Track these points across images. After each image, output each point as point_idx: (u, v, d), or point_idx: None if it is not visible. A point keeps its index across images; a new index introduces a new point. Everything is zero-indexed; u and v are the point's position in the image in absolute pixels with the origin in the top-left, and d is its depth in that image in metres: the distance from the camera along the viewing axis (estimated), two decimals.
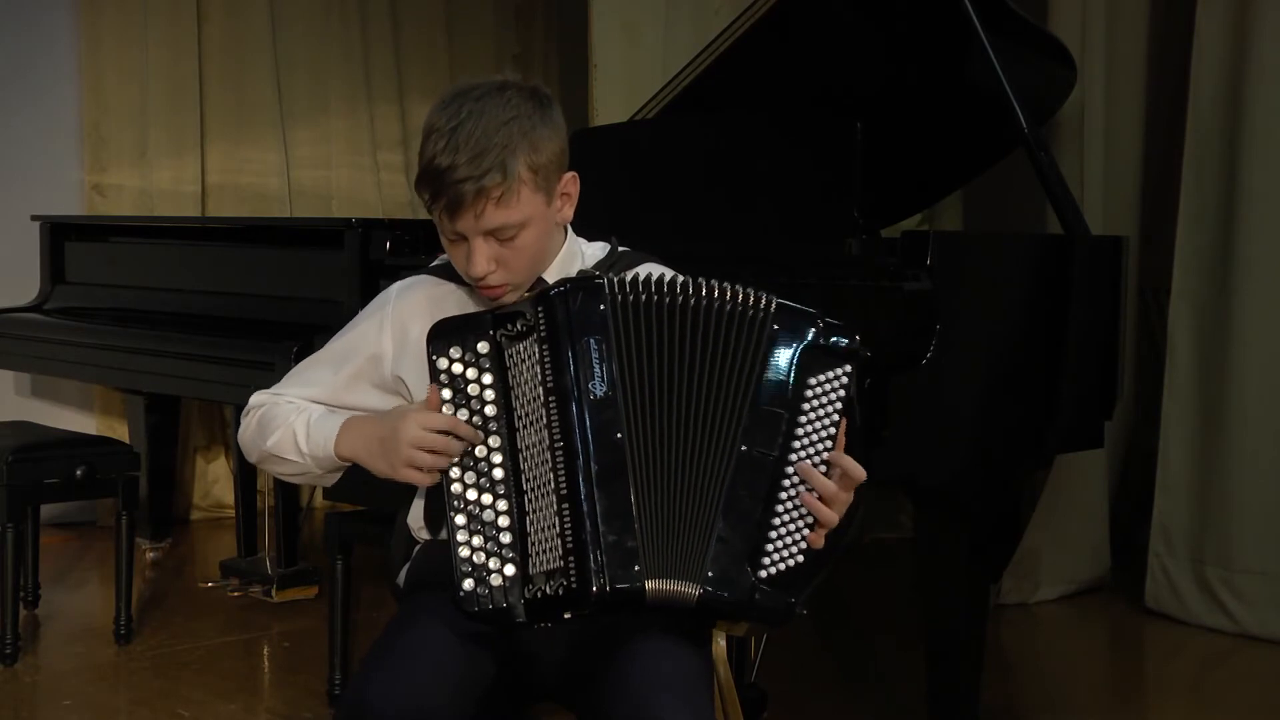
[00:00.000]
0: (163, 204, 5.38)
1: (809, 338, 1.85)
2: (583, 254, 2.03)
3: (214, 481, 5.52)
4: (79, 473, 3.65)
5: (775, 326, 1.84)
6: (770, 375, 1.82)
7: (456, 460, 1.82)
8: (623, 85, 4.46)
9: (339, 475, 2.01)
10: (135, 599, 3.94)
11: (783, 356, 1.83)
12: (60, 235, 4.83)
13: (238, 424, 4.43)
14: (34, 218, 4.88)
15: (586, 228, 2.11)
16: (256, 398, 2.06)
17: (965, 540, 2.79)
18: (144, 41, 5.34)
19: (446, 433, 1.82)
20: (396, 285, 2.06)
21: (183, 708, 3.36)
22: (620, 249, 2.07)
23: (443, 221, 1.88)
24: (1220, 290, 4.00)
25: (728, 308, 1.84)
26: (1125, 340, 3.21)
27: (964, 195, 4.65)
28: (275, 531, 4.19)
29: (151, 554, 4.79)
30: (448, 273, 2.00)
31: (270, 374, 3.57)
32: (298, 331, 3.62)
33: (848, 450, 1.84)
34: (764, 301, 1.85)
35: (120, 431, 5.05)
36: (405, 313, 2.00)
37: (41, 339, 4.58)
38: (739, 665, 2.78)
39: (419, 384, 1.95)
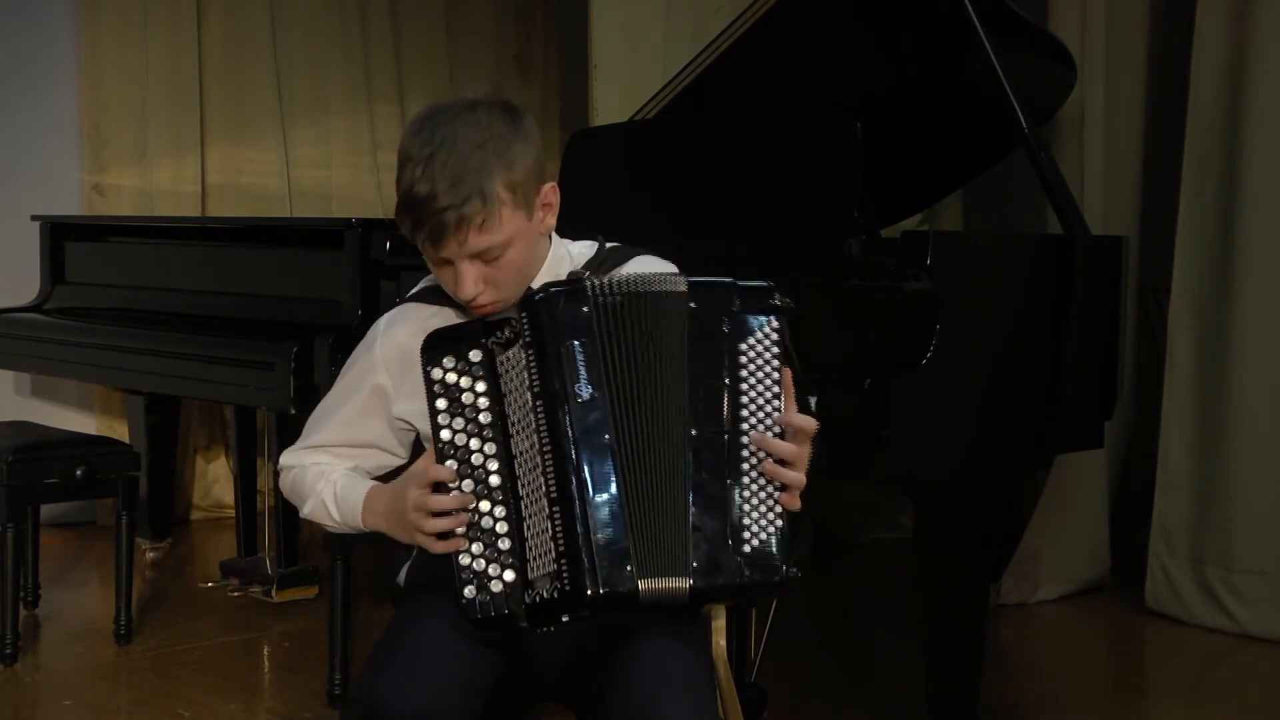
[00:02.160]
0: (163, 204, 5.38)
1: (729, 307, 1.85)
2: (570, 255, 2.03)
3: (214, 481, 5.52)
4: (79, 473, 3.65)
5: (693, 305, 1.84)
6: (701, 354, 1.82)
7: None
8: (623, 85, 4.46)
9: None
10: (135, 599, 3.94)
11: (708, 332, 1.83)
12: (60, 235, 4.83)
13: (238, 424, 4.53)
14: (34, 218, 4.88)
15: (586, 228, 2.11)
16: (285, 458, 2.08)
17: (965, 540, 2.79)
18: (144, 41, 5.34)
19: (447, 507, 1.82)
20: (382, 320, 2.05)
21: (183, 708, 3.36)
22: (608, 245, 2.06)
23: (426, 249, 1.89)
24: (1220, 290, 3.99)
25: (659, 299, 1.84)
26: (1125, 340, 3.20)
27: (964, 195, 4.65)
28: (275, 531, 4.20)
29: (151, 554, 4.79)
30: (431, 296, 2.01)
31: (270, 374, 3.57)
32: (298, 331, 3.62)
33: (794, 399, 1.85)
34: (677, 284, 1.85)
35: (120, 431, 5.05)
36: (397, 346, 1.99)
37: (41, 339, 4.58)
38: (739, 665, 2.79)
39: (420, 419, 1.95)
